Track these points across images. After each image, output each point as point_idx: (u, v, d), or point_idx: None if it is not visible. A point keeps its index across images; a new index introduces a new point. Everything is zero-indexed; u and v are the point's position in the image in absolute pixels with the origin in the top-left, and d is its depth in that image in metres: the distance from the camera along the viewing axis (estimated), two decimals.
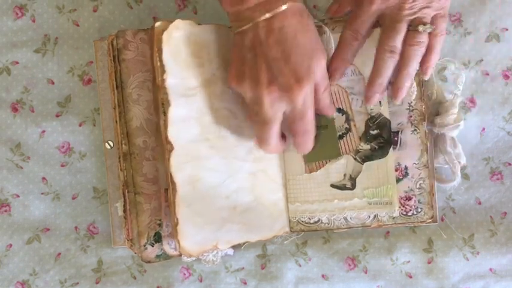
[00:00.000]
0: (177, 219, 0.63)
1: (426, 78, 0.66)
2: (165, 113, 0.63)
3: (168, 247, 0.68)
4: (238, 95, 0.64)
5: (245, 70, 0.61)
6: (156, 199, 0.67)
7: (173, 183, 0.63)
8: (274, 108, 0.61)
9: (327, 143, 0.69)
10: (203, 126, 0.65)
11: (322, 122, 0.69)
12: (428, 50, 0.64)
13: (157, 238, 0.68)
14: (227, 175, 0.67)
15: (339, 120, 0.69)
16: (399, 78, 0.65)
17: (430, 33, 0.63)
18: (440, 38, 0.64)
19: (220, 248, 0.66)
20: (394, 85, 0.65)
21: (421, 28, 0.62)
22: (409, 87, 0.66)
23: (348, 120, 0.69)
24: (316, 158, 0.70)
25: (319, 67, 0.60)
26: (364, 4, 0.63)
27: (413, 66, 0.64)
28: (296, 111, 0.61)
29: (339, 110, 0.69)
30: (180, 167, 0.63)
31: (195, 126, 0.65)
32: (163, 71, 0.63)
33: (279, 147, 0.66)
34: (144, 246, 0.67)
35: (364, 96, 0.67)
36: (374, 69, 0.65)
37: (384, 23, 0.64)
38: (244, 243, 0.71)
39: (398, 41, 0.63)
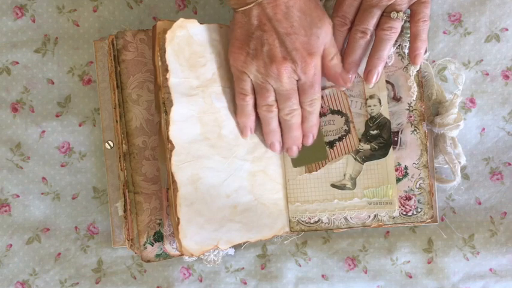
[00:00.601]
0: (178, 218, 0.63)
1: (416, 67, 0.67)
2: (166, 112, 0.63)
3: (170, 247, 0.68)
4: (239, 78, 0.65)
5: (255, 47, 0.62)
6: (156, 199, 0.68)
7: (174, 182, 0.63)
8: (291, 80, 0.63)
9: (312, 146, 0.69)
10: (204, 125, 0.65)
11: None
12: (413, 37, 0.66)
13: (157, 237, 0.68)
14: (227, 174, 0.67)
15: (338, 122, 0.69)
16: (370, 60, 0.67)
17: (413, 21, 0.65)
18: (423, 24, 0.65)
19: (221, 247, 0.66)
20: (366, 68, 0.67)
21: (393, 15, 0.64)
22: (381, 72, 0.67)
23: (347, 122, 0.69)
24: (303, 162, 0.70)
25: (328, 34, 0.63)
26: None
27: (385, 51, 0.66)
28: (307, 81, 0.64)
29: (338, 112, 0.69)
30: (181, 167, 0.64)
31: (196, 126, 0.65)
32: (165, 70, 0.63)
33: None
34: (144, 245, 0.67)
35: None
36: (346, 49, 0.67)
37: (361, 7, 0.65)
38: (244, 243, 0.71)
39: (370, 24, 0.65)
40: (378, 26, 0.65)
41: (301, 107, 0.66)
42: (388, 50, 0.66)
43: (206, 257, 0.70)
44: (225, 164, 0.67)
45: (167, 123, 0.63)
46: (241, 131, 0.68)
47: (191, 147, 0.64)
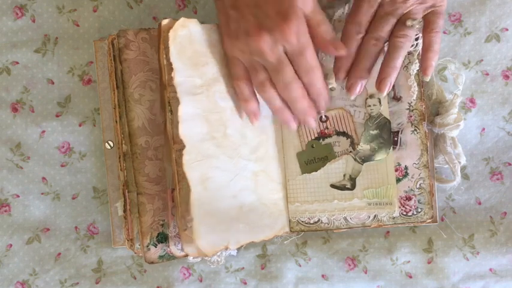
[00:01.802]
0: (192, 218, 0.62)
1: (427, 78, 0.65)
2: (172, 111, 0.63)
3: (175, 248, 0.67)
4: (231, 63, 0.64)
5: (234, 28, 0.61)
6: (159, 199, 0.67)
7: (186, 182, 0.62)
8: (276, 51, 0.61)
9: (319, 151, 0.69)
10: (210, 124, 0.65)
11: (320, 155, 0.69)
12: (425, 48, 0.64)
13: (161, 239, 0.67)
14: (233, 174, 0.66)
15: (343, 144, 0.69)
16: (383, 69, 0.65)
17: (425, 31, 0.64)
18: (435, 35, 0.64)
19: (230, 248, 0.65)
20: (378, 76, 0.65)
21: (408, 22, 0.63)
22: (393, 81, 0.65)
23: (352, 144, 0.69)
24: (311, 169, 0.70)
25: (306, 2, 0.60)
26: None
27: (399, 59, 0.64)
28: (294, 49, 0.61)
29: (344, 134, 0.69)
30: (192, 166, 0.63)
31: (203, 125, 0.64)
32: (170, 69, 0.63)
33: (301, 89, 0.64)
34: (147, 246, 0.67)
35: (346, 86, 0.66)
36: (357, 56, 0.65)
37: (377, 15, 0.64)
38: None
39: (384, 32, 0.64)
40: (392, 33, 0.64)
41: (300, 79, 0.63)
42: (402, 59, 0.64)
43: (210, 258, 0.70)
44: (231, 163, 0.66)
45: (173, 123, 0.63)
46: (249, 118, 0.66)
47: (201, 146, 0.64)
